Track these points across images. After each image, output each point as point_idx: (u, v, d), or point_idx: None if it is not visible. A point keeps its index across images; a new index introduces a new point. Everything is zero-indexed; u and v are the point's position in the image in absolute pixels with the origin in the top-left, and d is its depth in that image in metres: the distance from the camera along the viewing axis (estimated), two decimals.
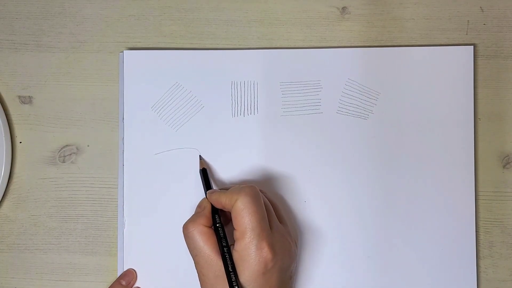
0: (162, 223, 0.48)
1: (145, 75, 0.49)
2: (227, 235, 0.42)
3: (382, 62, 0.49)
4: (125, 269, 0.48)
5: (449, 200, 0.48)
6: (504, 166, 0.49)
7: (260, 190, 0.43)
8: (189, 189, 0.48)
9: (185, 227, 0.42)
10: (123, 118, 0.49)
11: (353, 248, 0.48)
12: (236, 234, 0.40)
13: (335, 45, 0.50)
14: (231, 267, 0.40)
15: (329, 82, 0.49)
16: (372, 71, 0.49)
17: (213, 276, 0.41)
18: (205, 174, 0.47)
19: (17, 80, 0.51)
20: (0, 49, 0.51)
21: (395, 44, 0.50)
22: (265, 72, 0.49)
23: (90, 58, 0.50)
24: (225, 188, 0.44)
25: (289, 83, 0.49)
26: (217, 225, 0.42)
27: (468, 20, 0.50)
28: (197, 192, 0.48)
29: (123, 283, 0.47)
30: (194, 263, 0.42)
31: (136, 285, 0.48)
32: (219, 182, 0.48)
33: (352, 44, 0.50)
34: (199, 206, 0.44)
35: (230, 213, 0.41)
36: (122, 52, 0.49)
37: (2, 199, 0.50)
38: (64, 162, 0.50)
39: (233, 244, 0.41)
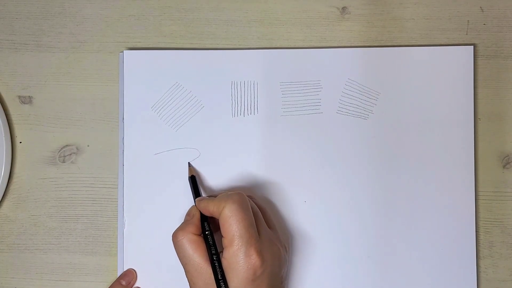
0: (162, 223, 0.48)
1: (145, 75, 0.49)
2: (216, 243, 0.42)
3: (382, 62, 0.49)
4: (125, 269, 0.48)
5: (449, 200, 0.48)
6: (504, 166, 0.49)
7: (248, 196, 0.43)
8: (189, 189, 0.48)
9: (175, 236, 0.42)
10: (123, 118, 0.49)
11: (353, 248, 0.48)
12: (225, 241, 0.40)
13: (335, 45, 0.50)
14: (220, 275, 0.40)
15: (329, 82, 0.49)
16: (372, 71, 0.49)
17: (203, 284, 0.40)
18: (194, 181, 0.46)
19: (17, 80, 0.51)
20: (0, 49, 0.51)
21: (395, 44, 0.50)
22: (265, 72, 0.49)
23: (90, 58, 0.50)
24: (214, 195, 0.44)
25: (289, 83, 0.49)
26: (206, 232, 0.42)
27: (468, 20, 0.50)
28: None
29: (123, 283, 0.47)
30: (185, 271, 0.42)
31: (136, 285, 0.48)
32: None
33: (352, 44, 0.50)
34: (188, 214, 0.44)
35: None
36: (122, 52, 0.49)
37: (2, 199, 0.50)
38: (64, 162, 0.50)
39: (222, 252, 0.41)
